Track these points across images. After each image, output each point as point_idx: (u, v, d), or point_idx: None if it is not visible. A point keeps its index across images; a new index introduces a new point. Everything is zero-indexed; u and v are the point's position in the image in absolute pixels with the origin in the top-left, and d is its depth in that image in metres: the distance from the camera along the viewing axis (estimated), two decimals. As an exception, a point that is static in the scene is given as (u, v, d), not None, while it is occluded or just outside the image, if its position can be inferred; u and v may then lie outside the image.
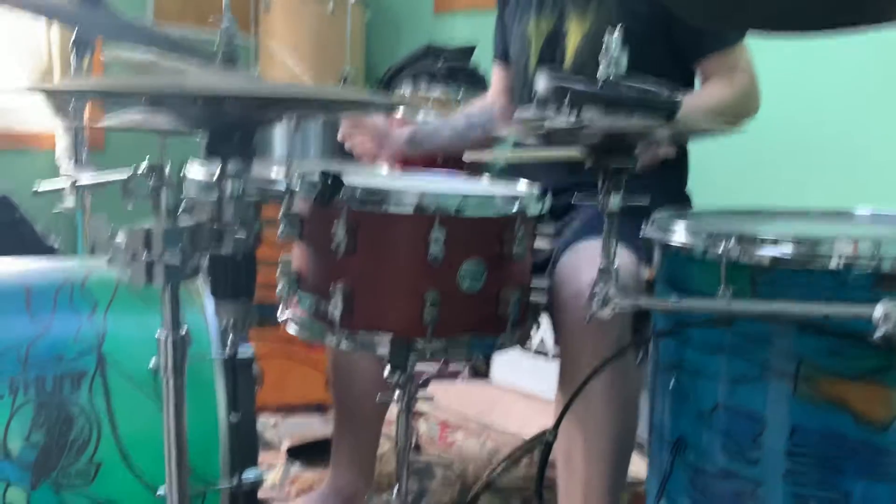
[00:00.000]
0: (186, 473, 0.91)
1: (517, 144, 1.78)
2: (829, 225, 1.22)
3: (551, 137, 1.10)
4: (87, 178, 1.71)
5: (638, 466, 1.71)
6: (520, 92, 1.77)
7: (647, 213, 1.16)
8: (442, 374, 1.35)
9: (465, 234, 1.12)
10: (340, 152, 3.42)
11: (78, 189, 1.72)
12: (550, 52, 1.68)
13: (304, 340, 1.24)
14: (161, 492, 0.92)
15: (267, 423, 2.29)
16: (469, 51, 3.20)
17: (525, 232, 1.16)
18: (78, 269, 1.24)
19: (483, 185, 1.46)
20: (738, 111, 1.58)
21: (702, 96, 1.60)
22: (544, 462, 1.12)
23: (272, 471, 2.05)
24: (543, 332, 1.38)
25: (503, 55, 1.88)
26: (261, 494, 1.51)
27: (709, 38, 1.58)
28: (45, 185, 1.71)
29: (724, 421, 1.04)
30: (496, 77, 1.94)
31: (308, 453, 2.11)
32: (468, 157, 1.75)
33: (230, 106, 0.86)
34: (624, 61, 1.02)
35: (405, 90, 3.22)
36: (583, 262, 1.31)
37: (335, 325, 1.12)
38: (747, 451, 1.01)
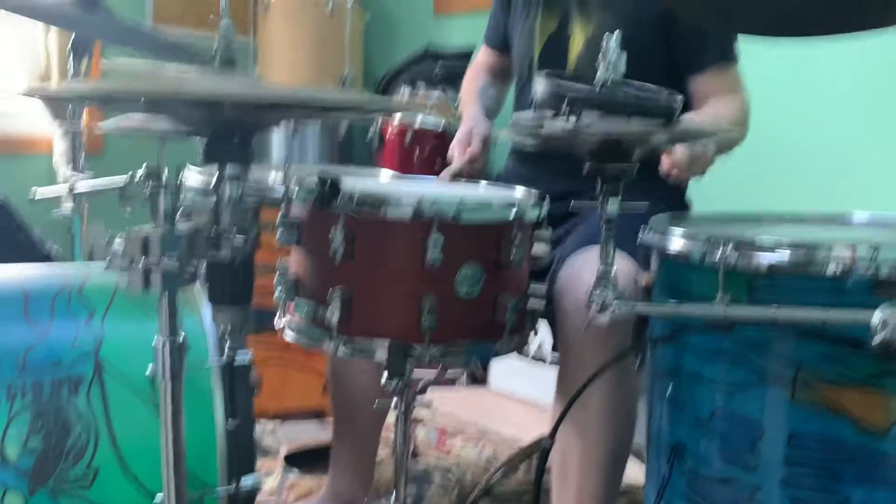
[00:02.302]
0: (184, 479, 0.91)
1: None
2: (827, 230, 1.22)
3: (549, 141, 1.10)
4: (84, 183, 1.71)
5: (636, 472, 1.71)
6: (521, 88, 1.76)
7: (645, 219, 1.16)
8: (440, 380, 1.35)
9: (462, 240, 1.12)
10: (339, 156, 3.42)
11: (75, 194, 1.72)
12: (553, 52, 1.67)
13: (302, 346, 1.23)
14: (158, 498, 0.91)
15: (265, 430, 2.29)
16: (468, 54, 3.19)
17: (522, 238, 1.16)
18: (75, 275, 1.24)
19: (481, 191, 1.45)
20: (741, 133, 1.57)
21: (719, 113, 1.54)
22: (542, 468, 1.12)
23: (270, 477, 2.05)
24: (541, 338, 1.38)
25: (495, 44, 1.88)
26: (258, 500, 1.51)
27: (708, 52, 1.57)
28: (43, 192, 1.70)
29: (722, 427, 1.03)
30: (484, 57, 1.92)
31: (306, 459, 2.10)
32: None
33: (228, 110, 0.85)
34: (622, 65, 1.02)
35: (403, 93, 3.22)
36: (583, 271, 1.31)
37: (333, 331, 1.12)
38: (745, 458, 1.01)
